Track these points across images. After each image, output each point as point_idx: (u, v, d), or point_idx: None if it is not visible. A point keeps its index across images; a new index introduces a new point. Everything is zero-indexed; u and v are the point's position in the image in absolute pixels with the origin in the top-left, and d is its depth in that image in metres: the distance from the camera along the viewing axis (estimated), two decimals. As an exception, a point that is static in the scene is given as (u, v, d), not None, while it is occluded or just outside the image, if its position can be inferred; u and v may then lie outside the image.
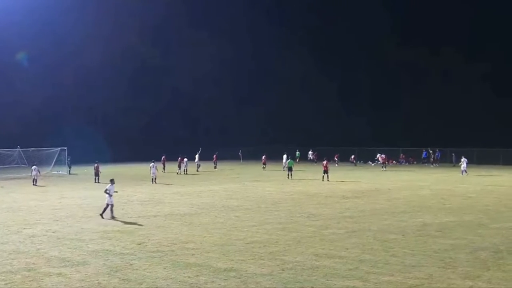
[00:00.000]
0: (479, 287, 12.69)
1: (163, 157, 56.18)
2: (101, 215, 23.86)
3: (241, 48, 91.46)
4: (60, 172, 55.36)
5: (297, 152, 69.71)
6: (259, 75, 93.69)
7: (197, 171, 55.19)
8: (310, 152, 69.02)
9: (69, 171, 55.25)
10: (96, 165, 45.48)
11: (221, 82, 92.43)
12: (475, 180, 43.38)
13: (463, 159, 48.96)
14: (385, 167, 58.44)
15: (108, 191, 24.28)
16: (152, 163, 43.79)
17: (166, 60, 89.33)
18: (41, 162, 55.26)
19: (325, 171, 43.47)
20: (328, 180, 42.56)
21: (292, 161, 49.35)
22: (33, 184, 42.08)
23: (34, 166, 43.91)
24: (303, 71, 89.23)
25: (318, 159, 68.63)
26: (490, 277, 13.53)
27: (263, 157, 60.16)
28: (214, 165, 60.93)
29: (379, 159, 62.51)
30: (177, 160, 54.63)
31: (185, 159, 53.81)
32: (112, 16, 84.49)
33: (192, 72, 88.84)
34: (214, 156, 61.83)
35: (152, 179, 42.74)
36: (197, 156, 57.40)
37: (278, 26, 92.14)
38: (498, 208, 26.56)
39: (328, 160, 46.42)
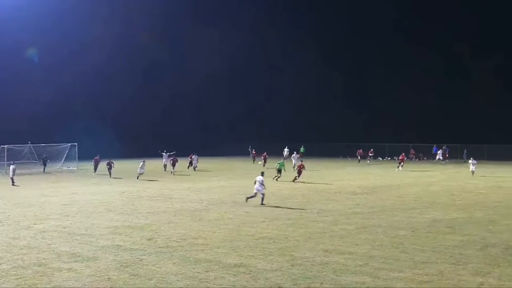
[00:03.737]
0: (490, 284, 12.64)
1: (95, 158, 50.31)
2: (254, 200, 26.98)
3: (248, 44, 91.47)
4: (71, 168, 55.64)
5: (302, 148, 68.93)
6: (266, 71, 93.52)
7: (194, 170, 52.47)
8: (285, 149, 67.49)
9: (44, 169, 52.06)
10: (109, 160, 46.06)
11: (228, 78, 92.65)
12: (485, 177, 43.19)
13: (471, 161, 46.07)
14: (401, 166, 51.64)
15: (257, 181, 27.03)
16: (143, 162, 44.12)
17: (174, 57, 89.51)
18: (52, 157, 55.68)
19: (299, 171, 39.67)
20: (293, 182, 38.58)
21: (283, 162, 43.28)
22: (12, 184, 38.89)
23: (12, 166, 40.60)
24: (311, 66, 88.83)
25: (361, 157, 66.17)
26: (500, 273, 13.48)
27: (264, 153, 58.66)
28: (188, 165, 53.55)
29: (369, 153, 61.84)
30: (189, 157, 53.92)
31: (194, 156, 53.28)
32: (122, 13, 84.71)
33: (200, 69, 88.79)
34: (190, 156, 54.03)
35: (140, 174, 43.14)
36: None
37: (285, 21, 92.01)
38: (509, 204, 26.46)
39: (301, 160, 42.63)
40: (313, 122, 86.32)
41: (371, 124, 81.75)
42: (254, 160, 63.54)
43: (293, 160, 53.63)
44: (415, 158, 69.64)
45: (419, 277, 13.18)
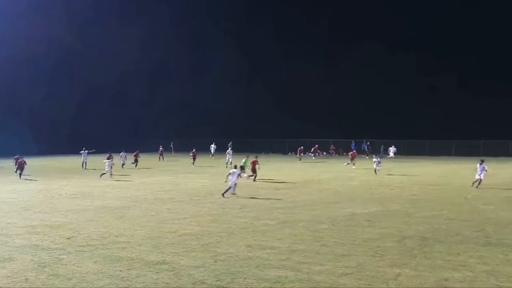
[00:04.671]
0: (406, 274, 13.04)
1: (15, 157, 44.96)
2: (223, 194, 27.82)
3: (170, 39, 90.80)
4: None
5: (230, 144, 68.84)
6: (188, 66, 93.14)
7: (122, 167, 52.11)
8: (212, 145, 67.69)
9: None
10: (20, 159, 41.81)
11: (150, 73, 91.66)
12: (402, 171, 44.67)
13: (375, 159, 43.26)
14: (350, 163, 50.10)
15: (231, 174, 28.06)
16: (111, 160, 41.10)
17: (94, 52, 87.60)
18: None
19: (253, 169, 37.79)
20: (254, 181, 36.84)
21: (246, 160, 40.31)
22: None
23: None
24: (228, 64, 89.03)
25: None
26: (416, 264, 13.95)
27: (193, 150, 56.17)
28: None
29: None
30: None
31: (122, 153, 51.76)
32: (39, 5, 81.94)
33: (121, 63, 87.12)
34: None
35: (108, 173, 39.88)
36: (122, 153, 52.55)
37: (206, 16, 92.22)
38: (423, 197, 27.45)
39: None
40: (238, 118, 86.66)
41: (294, 120, 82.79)
42: (160, 157, 62.05)
43: (228, 157, 52.95)
44: (335, 153, 71.20)
45: (339, 269, 13.45)
